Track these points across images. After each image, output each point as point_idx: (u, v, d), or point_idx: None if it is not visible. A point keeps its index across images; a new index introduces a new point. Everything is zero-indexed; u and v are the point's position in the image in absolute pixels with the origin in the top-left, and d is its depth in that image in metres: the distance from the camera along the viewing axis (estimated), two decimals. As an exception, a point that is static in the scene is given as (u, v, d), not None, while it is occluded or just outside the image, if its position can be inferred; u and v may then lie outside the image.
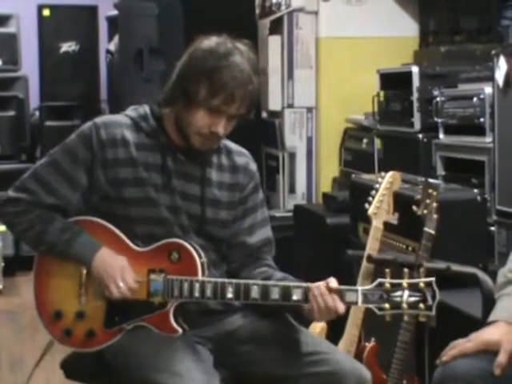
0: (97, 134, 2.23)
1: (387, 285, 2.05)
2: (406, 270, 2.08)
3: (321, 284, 2.09)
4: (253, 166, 2.40)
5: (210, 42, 2.18)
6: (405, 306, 2.03)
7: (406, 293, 2.03)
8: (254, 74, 2.18)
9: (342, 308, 2.08)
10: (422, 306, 2.03)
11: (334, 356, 2.20)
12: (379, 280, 2.06)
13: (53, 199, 2.24)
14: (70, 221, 2.26)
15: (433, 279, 2.04)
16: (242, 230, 2.35)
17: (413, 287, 2.04)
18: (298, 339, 2.23)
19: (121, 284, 2.16)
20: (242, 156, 2.39)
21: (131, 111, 2.32)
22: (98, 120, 2.27)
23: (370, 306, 2.06)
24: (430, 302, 2.02)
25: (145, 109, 2.31)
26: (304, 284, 2.11)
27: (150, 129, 2.26)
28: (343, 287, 2.09)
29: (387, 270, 2.08)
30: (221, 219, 2.31)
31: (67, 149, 2.26)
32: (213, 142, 2.24)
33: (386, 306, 2.04)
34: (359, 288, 2.09)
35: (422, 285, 2.03)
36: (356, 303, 2.08)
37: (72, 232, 2.23)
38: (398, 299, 2.04)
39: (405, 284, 2.04)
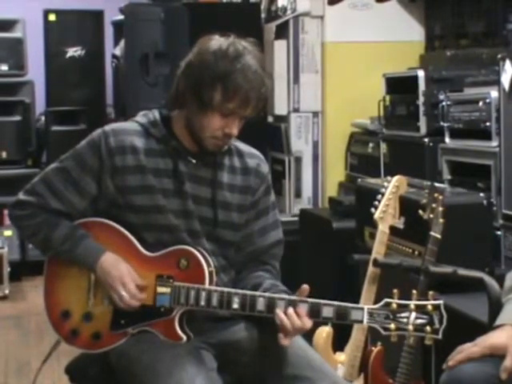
0: (106, 142, 2.23)
1: (394, 305, 2.03)
2: (414, 291, 2.07)
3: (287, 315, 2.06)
4: (264, 168, 2.38)
5: (218, 42, 2.17)
6: (411, 327, 2.01)
7: (413, 315, 2.01)
8: (264, 73, 2.18)
9: (309, 324, 2.07)
10: (428, 328, 2.00)
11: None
12: (386, 300, 2.04)
13: (60, 205, 2.25)
14: (76, 224, 2.27)
15: (441, 302, 2.01)
16: (253, 232, 2.34)
17: (420, 309, 2.01)
18: (293, 359, 2.20)
19: (123, 293, 2.17)
20: (254, 158, 2.37)
21: (141, 117, 2.31)
22: (108, 127, 2.27)
23: (375, 325, 2.04)
24: (437, 325, 2.00)
25: (154, 114, 2.30)
26: (309, 299, 2.08)
27: (160, 135, 2.25)
28: (348, 305, 2.06)
29: (395, 291, 2.06)
30: (233, 222, 2.30)
31: (77, 156, 2.27)
32: (225, 142, 2.24)
33: (392, 326, 2.02)
34: (365, 307, 2.06)
35: (429, 307, 2.01)
36: (361, 322, 2.05)
37: (74, 240, 2.23)
38: (405, 320, 2.01)
39: (412, 306, 2.02)
